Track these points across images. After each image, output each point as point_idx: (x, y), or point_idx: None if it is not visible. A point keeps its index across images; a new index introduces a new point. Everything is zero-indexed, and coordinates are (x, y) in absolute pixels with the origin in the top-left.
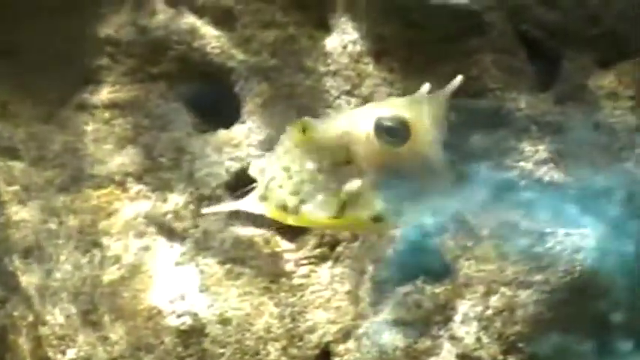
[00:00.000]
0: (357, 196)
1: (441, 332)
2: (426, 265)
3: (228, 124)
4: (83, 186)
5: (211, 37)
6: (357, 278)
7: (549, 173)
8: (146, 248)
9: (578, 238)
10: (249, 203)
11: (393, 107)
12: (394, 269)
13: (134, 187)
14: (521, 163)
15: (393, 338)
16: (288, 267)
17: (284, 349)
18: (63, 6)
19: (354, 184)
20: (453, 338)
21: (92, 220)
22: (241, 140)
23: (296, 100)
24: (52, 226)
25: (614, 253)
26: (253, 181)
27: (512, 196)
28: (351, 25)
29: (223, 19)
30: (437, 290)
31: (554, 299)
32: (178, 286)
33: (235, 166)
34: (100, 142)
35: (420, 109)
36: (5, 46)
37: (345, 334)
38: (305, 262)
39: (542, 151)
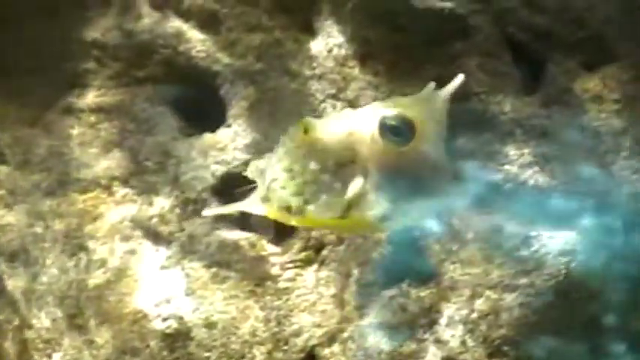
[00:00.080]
0: (362, 196)
1: (427, 335)
2: (411, 268)
3: (213, 128)
4: (69, 190)
5: (197, 40)
6: (343, 282)
7: (534, 177)
8: (132, 252)
9: (563, 242)
10: (250, 205)
11: (397, 106)
12: (380, 272)
13: (120, 191)
14: (506, 167)
15: (378, 342)
16: (274, 270)
17: (269, 352)
18: (49, 10)
19: (358, 184)
20: (438, 341)
21: (78, 224)
22: (227, 144)
23: (281, 104)
24: (38, 229)
25: (600, 256)
26: (239, 184)
27: (497, 199)
28: (336, 29)
29: (209, 23)
30: (422, 293)
31: (539, 302)
32: (164, 289)
33: (221, 169)
34: (85, 145)
35: (423, 109)
36: None
37: (331, 338)
38: (290, 265)
39: (527, 154)
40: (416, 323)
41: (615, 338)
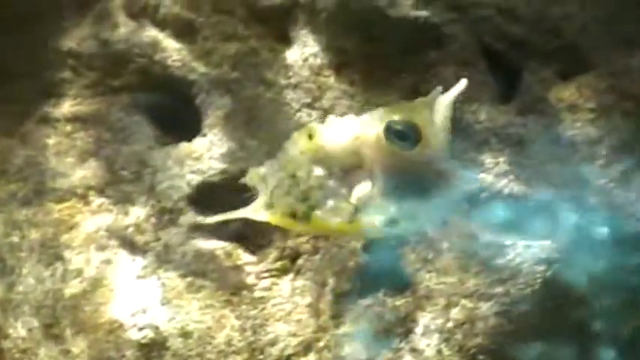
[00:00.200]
0: (369, 201)
1: (402, 344)
2: (387, 277)
3: (189, 137)
4: (45, 199)
5: (172, 50)
6: (319, 291)
7: (510, 185)
8: (108, 261)
9: (539, 250)
10: (253, 211)
11: (402, 111)
12: (355, 282)
13: (96, 201)
14: (482, 175)
15: (354, 351)
16: (250, 280)
17: None
18: (25, 19)
19: (365, 189)
20: (413, 350)
21: (54, 234)
22: (203, 153)
23: (257, 113)
24: (15, 239)
25: (576, 264)
26: (215, 193)
27: (472, 208)
28: (311, 38)
29: (184, 32)
30: (398, 302)
31: (514, 311)
32: (140, 299)
33: (197, 179)
34: (61, 155)
35: (429, 113)
36: None
37: (307, 347)
38: (266, 274)
39: (502, 163)
40: (392, 332)
41: (593, 345)
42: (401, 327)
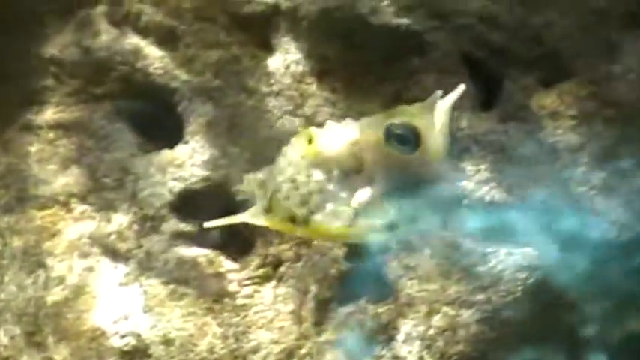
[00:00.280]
0: (369, 205)
1: (384, 352)
2: (369, 284)
3: (171, 145)
4: (27, 207)
5: (154, 57)
6: (301, 298)
7: (491, 193)
8: (90, 269)
9: (520, 257)
10: (251, 216)
11: (403, 115)
12: (337, 289)
13: (78, 208)
14: (463, 183)
15: (336, 358)
16: (232, 287)
17: None
18: (7, 26)
19: (365, 193)
20: (395, 358)
21: (36, 241)
22: (185, 160)
23: (239, 120)
24: None
25: (558, 271)
26: (197, 200)
27: (453, 215)
28: (293, 46)
29: (166, 40)
30: (380, 310)
31: (496, 318)
32: (122, 306)
33: (179, 186)
34: (44, 162)
35: (429, 117)
36: None
37: (289, 354)
38: (248, 282)
39: (483, 170)
40: (373, 339)
41: (581, 352)
42: (383, 334)
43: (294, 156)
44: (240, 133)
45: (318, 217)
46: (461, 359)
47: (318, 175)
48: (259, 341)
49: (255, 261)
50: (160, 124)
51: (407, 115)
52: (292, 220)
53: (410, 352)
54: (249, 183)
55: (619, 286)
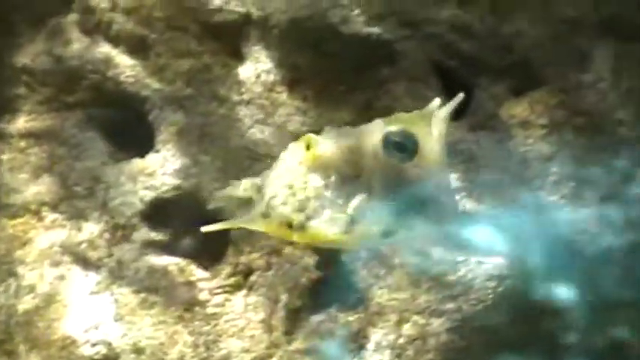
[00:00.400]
0: (366, 212)
1: None
2: (339, 293)
3: (142, 153)
4: None
5: (126, 66)
6: (271, 307)
7: (462, 202)
8: (61, 277)
9: (490, 267)
10: (248, 221)
11: (401, 122)
12: (308, 298)
13: (49, 216)
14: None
15: None
16: (203, 296)
17: None
18: None
19: (362, 200)
20: None
21: (7, 249)
22: (156, 169)
23: (210, 129)
24: None
25: (527, 280)
26: (168, 209)
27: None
28: (264, 54)
29: (138, 48)
30: (350, 318)
31: (466, 327)
32: (93, 315)
33: (150, 195)
34: (15, 171)
35: (427, 125)
36: None
37: None
38: (219, 290)
39: (454, 179)
40: (344, 348)
41: None
42: (353, 343)
43: (291, 161)
44: (211, 141)
45: (314, 223)
46: None
47: (315, 181)
48: (230, 350)
49: (226, 270)
50: (131, 133)
51: (405, 122)
52: (289, 225)
53: None
54: (246, 188)
55: (591, 294)
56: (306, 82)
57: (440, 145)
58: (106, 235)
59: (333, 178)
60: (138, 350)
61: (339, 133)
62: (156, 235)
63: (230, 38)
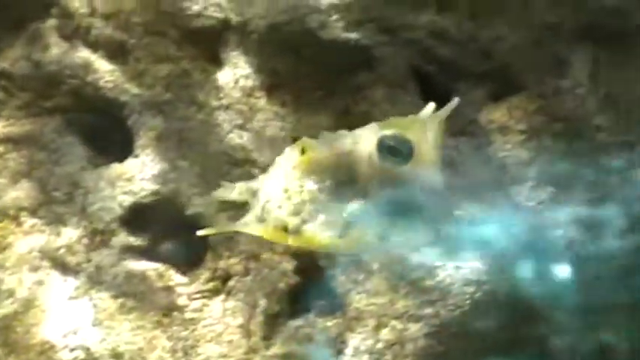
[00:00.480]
0: (361, 216)
1: None
2: (317, 298)
3: (121, 158)
4: None
5: (105, 71)
6: (250, 312)
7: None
8: (40, 282)
9: (468, 272)
10: (245, 225)
11: (395, 127)
12: (286, 303)
13: (28, 221)
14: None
15: None
16: (181, 301)
17: None
18: None
19: (357, 204)
20: None
21: None
22: (134, 174)
23: (188, 134)
24: None
25: (505, 286)
26: (147, 214)
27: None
28: (243, 60)
29: (117, 54)
30: (328, 323)
31: (444, 332)
32: (72, 320)
33: (129, 200)
34: None
35: (422, 129)
36: None
37: None
38: (198, 295)
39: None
40: (322, 353)
41: None
42: (331, 348)
43: (287, 165)
44: (190, 146)
45: (310, 227)
46: None
47: (310, 185)
48: (208, 355)
49: (204, 275)
50: (110, 138)
51: (400, 127)
52: (285, 229)
53: None
54: (242, 192)
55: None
56: (285, 88)
57: (434, 150)
58: (85, 240)
59: (328, 183)
60: (116, 355)
61: (334, 138)
62: (134, 240)
63: (209, 43)
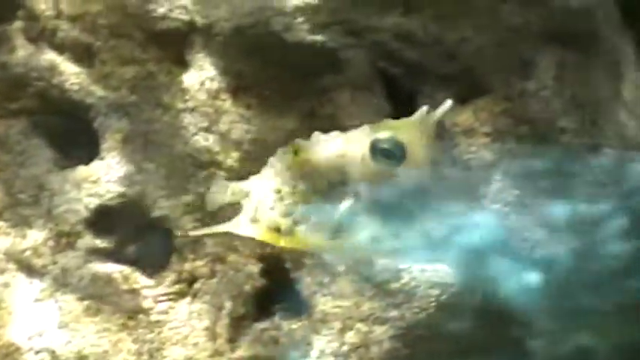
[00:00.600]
0: (353, 218)
1: None
2: (283, 301)
3: (87, 161)
4: None
5: (70, 73)
6: (215, 314)
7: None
8: (5, 285)
9: (433, 274)
10: (238, 226)
11: (389, 129)
12: (252, 305)
13: None
14: None
15: None
16: (147, 303)
17: None
18: None
19: (349, 206)
20: None
21: None
22: (100, 176)
23: (154, 136)
24: None
25: (470, 289)
26: (113, 217)
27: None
28: (208, 62)
29: (83, 56)
30: (294, 326)
31: (409, 335)
32: (37, 322)
33: (94, 202)
34: None
35: (415, 131)
36: None
37: None
38: (163, 298)
39: None
40: (287, 356)
41: None
42: (297, 350)
43: (280, 167)
44: (156, 149)
45: (302, 228)
46: None
47: (303, 187)
48: (173, 358)
49: (170, 277)
50: (76, 140)
51: (393, 129)
52: (277, 230)
53: None
54: (235, 193)
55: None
56: (250, 90)
57: (427, 152)
58: (51, 243)
59: (320, 184)
60: (81, 358)
61: (327, 139)
62: (100, 243)
63: (174, 46)
